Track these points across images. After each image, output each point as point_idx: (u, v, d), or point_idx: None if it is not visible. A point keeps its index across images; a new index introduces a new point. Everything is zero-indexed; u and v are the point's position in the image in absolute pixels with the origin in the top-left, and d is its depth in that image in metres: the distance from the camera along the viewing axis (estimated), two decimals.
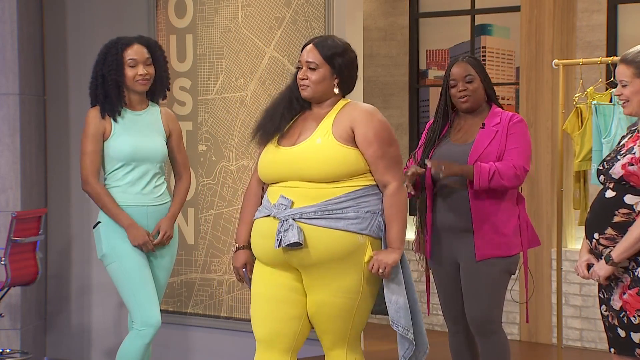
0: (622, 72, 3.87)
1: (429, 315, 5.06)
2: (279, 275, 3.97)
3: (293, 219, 3.84)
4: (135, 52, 4.83)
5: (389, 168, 3.92)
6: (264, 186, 4.10)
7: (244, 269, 4.12)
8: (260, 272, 4.03)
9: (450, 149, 4.57)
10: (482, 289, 4.53)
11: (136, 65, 4.83)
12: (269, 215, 3.92)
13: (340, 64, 3.95)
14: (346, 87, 4.02)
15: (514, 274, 4.59)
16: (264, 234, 3.94)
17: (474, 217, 4.48)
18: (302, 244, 3.83)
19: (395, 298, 3.93)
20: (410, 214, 7.95)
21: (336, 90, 3.98)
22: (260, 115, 4.10)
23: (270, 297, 3.99)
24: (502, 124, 4.56)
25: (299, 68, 4.00)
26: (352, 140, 3.90)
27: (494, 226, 4.49)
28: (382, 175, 3.92)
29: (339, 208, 3.85)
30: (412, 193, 4.54)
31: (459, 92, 4.58)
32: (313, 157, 3.87)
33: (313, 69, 3.94)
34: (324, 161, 3.86)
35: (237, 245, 4.13)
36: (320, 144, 3.88)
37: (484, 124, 4.58)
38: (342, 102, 4.00)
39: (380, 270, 3.87)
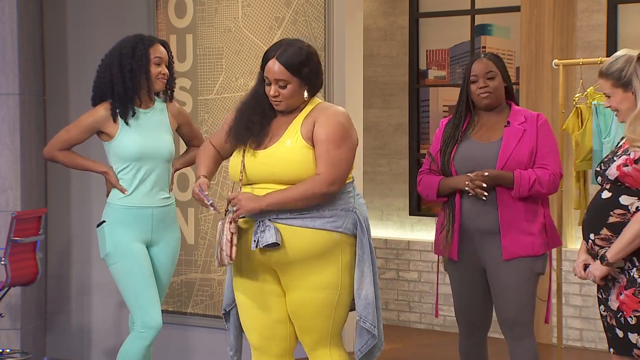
0: (603, 86, 3.91)
1: (437, 317, 5.04)
2: (257, 279, 3.97)
3: (269, 220, 3.84)
4: (160, 51, 4.93)
5: (326, 165, 3.83)
6: (220, 152, 4.11)
7: (199, 189, 3.98)
8: (238, 279, 4.03)
9: (474, 147, 4.54)
10: (510, 289, 4.48)
11: (161, 64, 4.92)
12: (244, 217, 3.90)
13: (308, 72, 3.90)
14: (315, 89, 3.98)
15: (542, 274, 4.55)
16: (239, 235, 3.92)
17: (502, 219, 4.44)
18: (279, 245, 3.83)
19: (365, 294, 3.93)
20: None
21: (306, 95, 3.95)
22: (235, 120, 4.00)
23: (251, 305, 4.01)
24: (529, 123, 4.53)
25: (265, 82, 3.93)
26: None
27: (520, 226, 4.46)
28: (317, 170, 3.84)
29: (314, 208, 3.85)
30: (486, 194, 4.42)
31: (480, 88, 4.55)
32: (283, 159, 3.86)
33: (283, 87, 3.90)
34: (294, 163, 3.85)
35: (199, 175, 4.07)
36: (290, 146, 3.87)
37: (509, 122, 4.54)
38: (312, 104, 3.98)
39: (236, 209, 3.80)
